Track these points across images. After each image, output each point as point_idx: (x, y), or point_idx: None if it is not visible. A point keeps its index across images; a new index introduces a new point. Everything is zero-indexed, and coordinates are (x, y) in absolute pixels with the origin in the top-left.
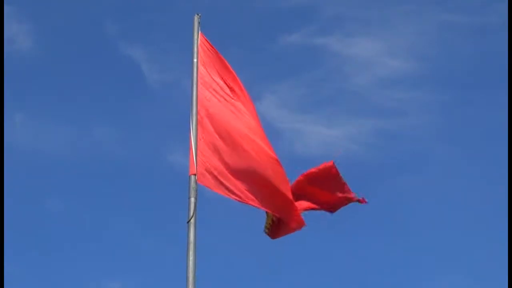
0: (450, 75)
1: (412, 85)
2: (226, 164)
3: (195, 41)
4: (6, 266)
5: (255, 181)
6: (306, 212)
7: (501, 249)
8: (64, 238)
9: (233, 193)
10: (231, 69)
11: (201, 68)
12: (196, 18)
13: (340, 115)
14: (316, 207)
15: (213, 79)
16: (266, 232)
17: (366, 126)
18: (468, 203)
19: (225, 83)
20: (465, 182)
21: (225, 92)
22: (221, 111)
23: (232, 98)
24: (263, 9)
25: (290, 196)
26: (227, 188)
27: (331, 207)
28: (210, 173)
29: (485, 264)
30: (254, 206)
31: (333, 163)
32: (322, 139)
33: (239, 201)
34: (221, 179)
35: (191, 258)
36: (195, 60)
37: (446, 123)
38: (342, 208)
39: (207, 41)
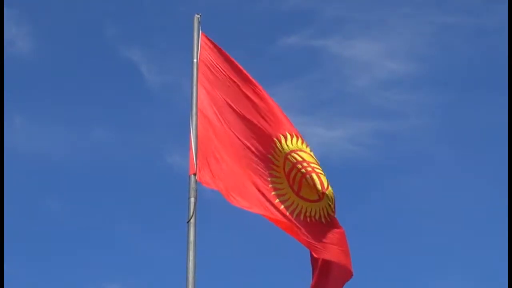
0: (449, 77)
1: (411, 86)
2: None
3: (195, 41)
4: (6, 267)
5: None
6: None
7: (501, 250)
8: (64, 239)
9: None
10: (238, 65)
11: (202, 69)
12: (196, 18)
13: (340, 117)
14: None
15: (215, 79)
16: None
17: (365, 128)
18: (468, 204)
19: (230, 82)
20: (465, 183)
21: (229, 92)
22: (222, 112)
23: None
24: (262, 11)
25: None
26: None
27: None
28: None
29: (485, 266)
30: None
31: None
32: (322, 140)
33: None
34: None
35: (191, 258)
36: (195, 60)
37: (445, 124)
38: (341, 210)
39: (210, 40)
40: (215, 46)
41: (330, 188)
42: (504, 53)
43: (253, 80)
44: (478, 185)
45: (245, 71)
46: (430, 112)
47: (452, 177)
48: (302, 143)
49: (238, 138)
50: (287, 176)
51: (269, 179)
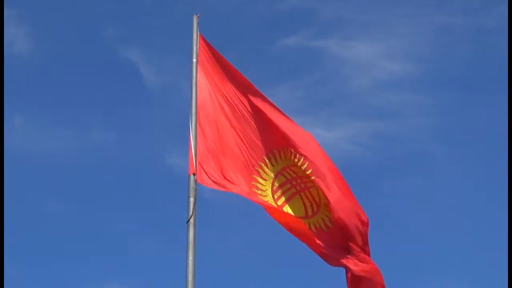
0: (449, 77)
1: (410, 87)
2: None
3: (194, 41)
4: (6, 268)
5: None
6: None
7: (501, 250)
8: (64, 240)
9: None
10: (233, 69)
11: (199, 69)
12: (195, 18)
13: (339, 117)
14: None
15: (212, 81)
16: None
17: (365, 128)
18: (468, 204)
19: (224, 86)
20: (464, 183)
21: (224, 96)
22: (219, 113)
23: (230, 101)
24: (262, 12)
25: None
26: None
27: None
28: (210, 173)
29: (485, 266)
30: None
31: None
32: (321, 141)
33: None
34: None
35: (190, 258)
36: (194, 60)
37: (444, 125)
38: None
39: (206, 42)
40: (210, 48)
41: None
42: (503, 54)
43: (252, 86)
44: (477, 186)
45: (243, 76)
46: (429, 112)
47: (451, 177)
48: (294, 156)
49: (235, 138)
50: (274, 191)
51: (252, 189)
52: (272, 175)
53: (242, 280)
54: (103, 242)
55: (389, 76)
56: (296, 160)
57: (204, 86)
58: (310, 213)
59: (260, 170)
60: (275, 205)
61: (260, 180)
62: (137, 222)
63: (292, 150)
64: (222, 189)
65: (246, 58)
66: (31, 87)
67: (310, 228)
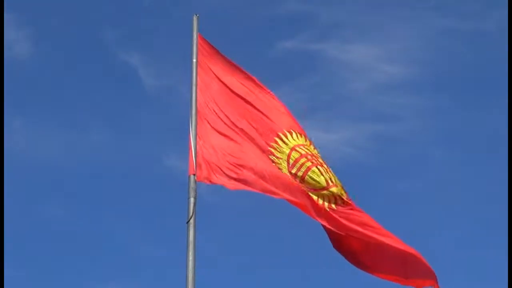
0: (447, 80)
1: (409, 90)
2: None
3: (194, 42)
4: (6, 270)
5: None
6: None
7: (501, 253)
8: (64, 242)
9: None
10: (236, 66)
11: (200, 69)
12: (195, 18)
13: (337, 120)
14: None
15: (212, 81)
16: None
17: (363, 131)
18: (467, 207)
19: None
20: (463, 186)
21: (228, 95)
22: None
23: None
24: (260, 15)
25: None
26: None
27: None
28: (211, 169)
29: (484, 268)
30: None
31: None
32: (320, 143)
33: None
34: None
35: (190, 258)
36: (194, 60)
37: (443, 127)
38: None
39: (206, 42)
40: (211, 48)
41: (337, 186)
42: (502, 56)
43: (255, 80)
44: (477, 188)
45: (244, 71)
46: (427, 115)
47: (451, 180)
48: (305, 140)
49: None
50: (289, 168)
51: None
52: (285, 156)
53: (242, 280)
54: (103, 244)
55: (388, 79)
56: (307, 141)
57: (205, 86)
58: (330, 183)
59: (273, 149)
60: (293, 179)
61: (276, 153)
62: (137, 223)
63: (301, 134)
64: (228, 186)
65: (244, 60)
66: (31, 90)
67: (330, 200)
